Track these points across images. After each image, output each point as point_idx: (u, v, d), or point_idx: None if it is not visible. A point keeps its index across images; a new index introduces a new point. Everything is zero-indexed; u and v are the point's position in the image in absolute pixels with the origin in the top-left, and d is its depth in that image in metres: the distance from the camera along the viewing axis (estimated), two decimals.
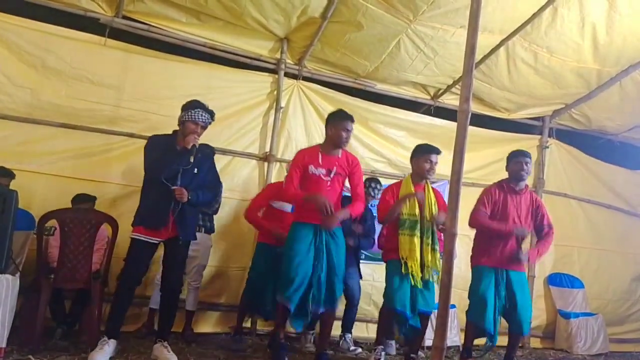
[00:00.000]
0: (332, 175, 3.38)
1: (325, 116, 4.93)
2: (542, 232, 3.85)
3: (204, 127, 3.29)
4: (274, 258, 3.84)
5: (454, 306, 4.61)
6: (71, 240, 3.44)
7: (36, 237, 3.48)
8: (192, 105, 3.29)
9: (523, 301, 3.66)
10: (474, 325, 3.70)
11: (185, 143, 3.19)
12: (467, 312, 3.79)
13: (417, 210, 3.60)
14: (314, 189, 3.33)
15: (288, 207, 3.99)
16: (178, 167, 3.17)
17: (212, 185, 3.45)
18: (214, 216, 4.24)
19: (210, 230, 4.17)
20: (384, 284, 3.68)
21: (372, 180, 4.52)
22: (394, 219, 3.60)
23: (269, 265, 3.89)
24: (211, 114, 3.33)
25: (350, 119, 3.46)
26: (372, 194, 4.46)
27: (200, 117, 3.25)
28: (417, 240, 3.54)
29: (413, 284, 3.49)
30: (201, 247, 4.02)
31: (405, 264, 3.48)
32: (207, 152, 3.46)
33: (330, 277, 3.30)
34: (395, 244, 3.58)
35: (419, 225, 3.57)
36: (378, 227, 4.44)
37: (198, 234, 3.87)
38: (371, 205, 4.60)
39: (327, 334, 3.48)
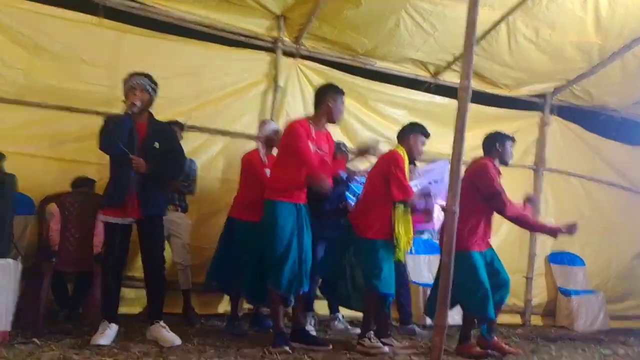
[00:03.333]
0: (323, 152, 3.34)
1: None
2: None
3: (143, 89, 3.16)
4: (251, 234, 3.56)
5: None
6: (72, 224, 3.46)
7: (37, 221, 3.48)
8: (127, 77, 3.23)
9: (504, 272, 3.66)
10: (475, 318, 3.60)
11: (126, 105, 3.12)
12: (466, 301, 3.48)
13: None
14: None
15: None
16: (124, 123, 3.05)
17: (175, 158, 3.34)
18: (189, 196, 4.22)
19: (185, 209, 4.17)
20: None
21: (341, 144, 4.21)
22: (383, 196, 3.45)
23: (246, 242, 3.62)
24: (145, 75, 3.21)
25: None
26: (348, 157, 4.17)
27: (131, 81, 3.19)
28: (409, 217, 3.50)
29: (399, 260, 3.49)
30: (181, 226, 4.05)
31: (398, 240, 3.39)
32: (168, 127, 3.40)
33: (307, 256, 3.29)
34: (382, 220, 3.41)
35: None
36: None
37: (175, 214, 3.99)
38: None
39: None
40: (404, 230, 3.42)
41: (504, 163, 3.74)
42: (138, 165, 3.09)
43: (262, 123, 4.10)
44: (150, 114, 3.30)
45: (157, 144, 3.20)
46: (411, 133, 3.65)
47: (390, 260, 3.42)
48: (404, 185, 3.41)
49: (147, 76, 3.23)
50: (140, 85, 3.17)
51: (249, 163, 3.88)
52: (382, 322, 3.59)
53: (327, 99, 3.37)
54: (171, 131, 3.45)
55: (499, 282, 3.60)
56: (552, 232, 3.74)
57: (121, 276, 3.32)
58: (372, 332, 3.45)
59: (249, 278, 3.60)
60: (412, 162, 3.64)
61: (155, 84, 3.26)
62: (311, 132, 3.28)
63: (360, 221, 3.52)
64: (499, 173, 3.68)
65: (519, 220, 3.67)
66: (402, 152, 3.54)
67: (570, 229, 3.60)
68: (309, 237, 3.36)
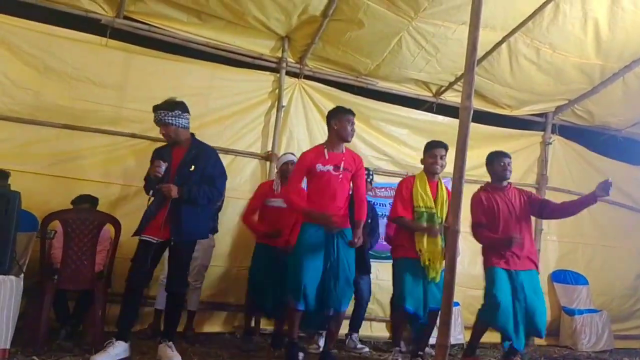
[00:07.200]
0: (341, 170, 3.33)
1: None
2: (550, 205, 3.82)
3: (167, 124, 3.25)
4: (273, 258, 3.83)
5: (457, 304, 4.59)
6: (74, 241, 3.45)
7: (39, 239, 3.49)
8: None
9: (537, 303, 3.53)
10: (485, 325, 3.61)
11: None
12: (480, 311, 3.66)
13: (433, 204, 3.56)
14: (326, 185, 3.30)
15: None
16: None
17: (212, 181, 3.31)
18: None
19: (212, 230, 4.14)
20: (388, 283, 3.68)
21: (365, 170, 4.31)
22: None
23: (268, 265, 3.87)
24: (161, 107, 3.26)
25: (352, 112, 3.47)
26: (370, 184, 4.35)
27: (154, 118, 3.29)
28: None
29: (429, 279, 3.46)
30: (202, 247, 3.98)
31: (421, 257, 3.43)
32: (207, 148, 3.42)
33: (340, 280, 3.25)
34: (404, 240, 3.53)
35: (435, 218, 3.53)
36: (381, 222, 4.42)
37: None
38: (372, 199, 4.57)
39: (335, 335, 3.48)
40: (425, 247, 3.46)
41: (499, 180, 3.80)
42: (167, 191, 3.14)
43: (280, 156, 4.21)
44: (192, 137, 3.38)
45: (192, 167, 3.25)
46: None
47: (415, 278, 3.45)
48: (393, 205, 3.63)
49: (164, 107, 3.26)
50: (160, 122, 3.26)
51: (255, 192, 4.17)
52: (416, 339, 3.69)
53: (331, 121, 3.44)
54: (210, 152, 3.41)
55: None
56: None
57: (139, 295, 3.30)
58: (398, 348, 3.64)
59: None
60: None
61: (175, 108, 3.26)
62: (322, 155, 3.35)
63: (390, 242, 3.85)
64: (497, 191, 3.76)
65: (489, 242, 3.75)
66: (419, 175, 3.67)
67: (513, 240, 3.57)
68: (345, 259, 3.30)
